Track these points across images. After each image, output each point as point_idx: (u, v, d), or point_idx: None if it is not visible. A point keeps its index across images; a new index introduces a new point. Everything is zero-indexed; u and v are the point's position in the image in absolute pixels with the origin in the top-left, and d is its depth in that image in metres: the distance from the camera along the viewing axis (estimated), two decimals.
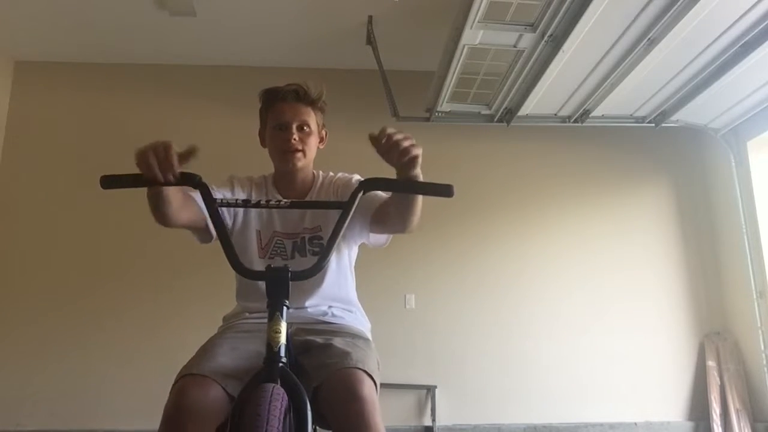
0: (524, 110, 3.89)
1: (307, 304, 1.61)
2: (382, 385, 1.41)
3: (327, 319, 1.62)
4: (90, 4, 3.79)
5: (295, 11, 3.82)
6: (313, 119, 1.68)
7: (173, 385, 1.34)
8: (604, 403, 4.11)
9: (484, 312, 4.22)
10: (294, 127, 1.64)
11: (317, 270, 1.25)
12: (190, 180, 1.29)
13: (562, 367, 4.14)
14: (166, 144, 1.24)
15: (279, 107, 1.66)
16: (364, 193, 1.32)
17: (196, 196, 1.49)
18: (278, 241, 1.66)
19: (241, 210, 1.67)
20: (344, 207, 1.29)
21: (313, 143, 1.69)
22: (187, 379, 1.33)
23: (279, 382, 1.11)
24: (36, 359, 3.93)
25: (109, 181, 1.32)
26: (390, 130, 1.29)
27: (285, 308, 1.17)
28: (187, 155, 1.25)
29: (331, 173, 1.77)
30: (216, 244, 1.41)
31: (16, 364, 3.92)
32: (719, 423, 4.00)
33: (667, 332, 4.29)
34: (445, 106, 3.87)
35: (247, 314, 1.62)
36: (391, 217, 1.56)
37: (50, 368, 3.92)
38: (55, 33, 4.14)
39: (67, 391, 3.89)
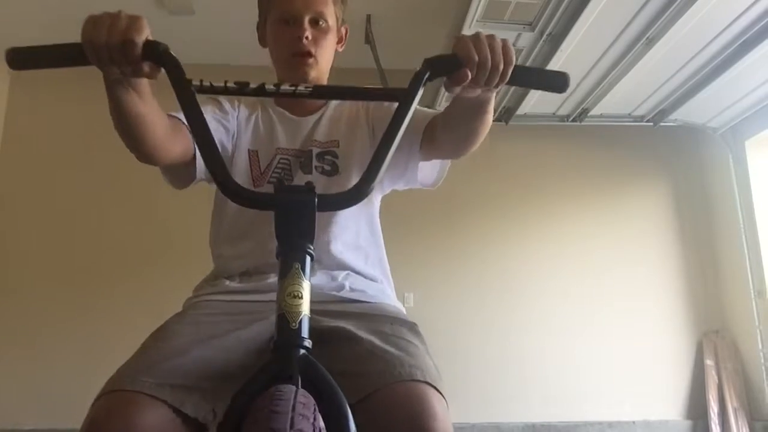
0: (522, 109, 3.90)
1: (321, 266, 1.12)
2: None
3: (342, 294, 1.12)
4: (89, 4, 3.75)
5: None
6: (331, 11, 1.24)
7: (98, 397, 0.89)
8: (602, 401, 4.11)
9: (483, 311, 4.23)
10: (306, 21, 1.20)
11: (362, 194, 0.80)
12: (154, 50, 0.85)
13: (560, 365, 4.15)
14: (134, 17, 0.83)
15: None
16: (431, 79, 0.88)
17: (179, 115, 1.07)
18: (283, 161, 1.20)
19: (230, 124, 1.21)
20: (402, 96, 0.86)
21: (330, 44, 1.25)
22: (113, 397, 0.86)
23: (300, 381, 0.70)
24: (36, 359, 3.92)
25: (22, 57, 0.86)
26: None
27: (309, 258, 0.75)
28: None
29: None
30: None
31: (16, 364, 3.92)
32: (717, 421, 4.01)
33: (665, 331, 4.30)
34: (443, 104, 3.87)
35: (226, 282, 1.14)
36: (452, 131, 1.09)
37: (50, 367, 3.91)
38: (54, 33, 4.11)
39: (67, 390, 3.89)
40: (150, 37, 0.84)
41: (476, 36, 0.88)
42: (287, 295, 0.72)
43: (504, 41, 0.88)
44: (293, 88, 0.89)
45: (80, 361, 3.93)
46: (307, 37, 1.19)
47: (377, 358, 0.92)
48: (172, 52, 0.87)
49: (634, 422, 4.09)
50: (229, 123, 1.21)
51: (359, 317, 1.03)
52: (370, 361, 0.91)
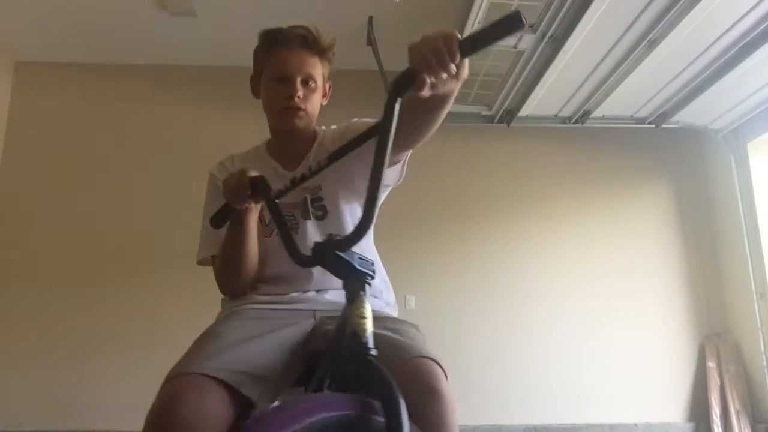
0: (524, 111, 3.89)
1: (332, 285, 1.35)
2: None
3: None
4: (90, 5, 3.79)
5: (295, 12, 3.82)
6: (319, 72, 1.42)
7: (165, 384, 1.04)
8: (604, 403, 4.10)
9: (484, 313, 4.22)
10: (298, 81, 1.39)
11: (363, 232, 0.95)
12: (261, 183, 1.21)
13: (562, 367, 4.14)
14: (242, 170, 1.20)
15: (281, 55, 1.41)
16: (401, 98, 1.00)
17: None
18: (286, 214, 1.38)
19: None
20: (381, 131, 0.97)
21: (317, 100, 1.44)
22: (181, 380, 1.03)
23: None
24: (36, 359, 3.93)
25: (216, 220, 1.31)
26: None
27: (368, 286, 0.95)
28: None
29: (332, 127, 1.50)
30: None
31: (16, 364, 3.92)
32: (719, 424, 3.99)
33: (667, 333, 4.29)
34: None
35: (255, 296, 1.36)
36: (411, 125, 1.23)
37: (50, 368, 3.91)
38: (55, 33, 4.14)
39: (67, 391, 3.89)
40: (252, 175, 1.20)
41: (420, 40, 0.98)
42: (357, 316, 0.91)
43: (442, 32, 0.96)
44: (316, 165, 1.19)
45: (81, 363, 3.94)
46: (299, 96, 1.39)
47: (393, 345, 1.12)
48: (264, 183, 1.21)
49: (636, 425, 4.08)
50: None
51: (374, 320, 1.19)
52: (388, 348, 1.09)
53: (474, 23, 2.97)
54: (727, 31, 3.06)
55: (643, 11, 2.88)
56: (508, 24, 0.92)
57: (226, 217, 1.29)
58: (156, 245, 4.12)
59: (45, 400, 3.86)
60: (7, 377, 3.88)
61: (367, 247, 1.44)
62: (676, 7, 2.82)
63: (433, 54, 0.96)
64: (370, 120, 1.35)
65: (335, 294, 1.34)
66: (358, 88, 4.29)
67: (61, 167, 4.28)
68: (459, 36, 0.95)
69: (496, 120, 4.05)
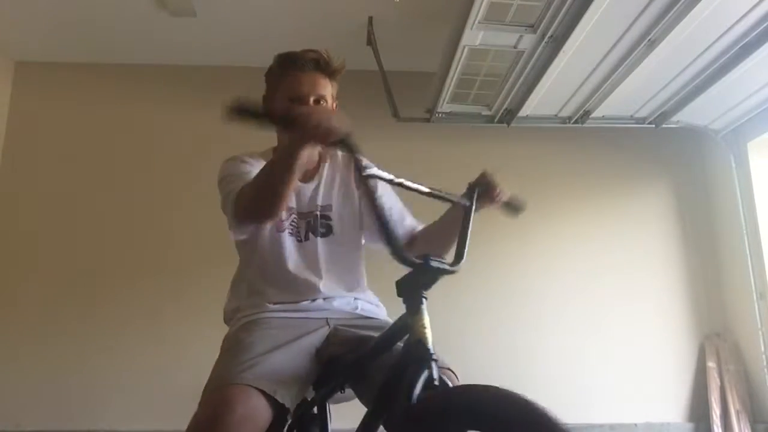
0: (525, 111, 3.89)
1: (336, 294, 1.53)
2: None
3: (360, 313, 1.56)
4: (90, 5, 3.79)
5: (296, 12, 3.82)
6: (329, 92, 1.57)
7: (210, 394, 1.19)
8: (604, 404, 4.10)
9: (484, 313, 4.22)
10: (311, 101, 1.52)
11: (459, 264, 1.22)
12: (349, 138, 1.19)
13: (562, 367, 4.14)
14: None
15: (295, 77, 1.53)
16: (478, 193, 1.43)
17: None
18: (293, 220, 1.57)
19: None
20: (467, 208, 1.41)
21: None
22: (227, 390, 1.16)
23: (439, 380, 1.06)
24: (36, 360, 3.93)
25: (243, 110, 1.15)
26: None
27: (425, 300, 1.13)
28: None
29: (340, 153, 1.67)
30: (220, 237, 1.35)
31: (17, 364, 3.92)
32: (719, 424, 4.00)
33: (667, 333, 4.29)
34: (445, 107, 3.86)
35: (268, 305, 1.49)
36: (423, 244, 1.57)
37: (51, 368, 3.91)
38: (55, 34, 4.14)
39: (68, 391, 3.89)
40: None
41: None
42: (420, 326, 1.08)
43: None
44: (419, 184, 1.33)
45: (82, 363, 3.93)
46: None
47: (390, 352, 1.27)
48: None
49: (635, 425, 4.08)
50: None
51: (376, 329, 1.42)
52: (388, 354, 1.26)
53: (474, 24, 2.97)
54: (727, 31, 3.06)
55: (643, 11, 2.88)
56: (520, 207, 1.46)
57: (255, 116, 1.17)
58: (156, 245, 4.12)
59: (45, 400, 3.86)
60: (8, 377, 3.88)
61: (356, 264, 1.63)
62: (676, 7, 2.82)
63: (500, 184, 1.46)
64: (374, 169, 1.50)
65: (341, 302, 1.52)
66: (358, 88, 4.28)
67: (61, 167, 4.28)
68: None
69: (496, 120, 4.04)
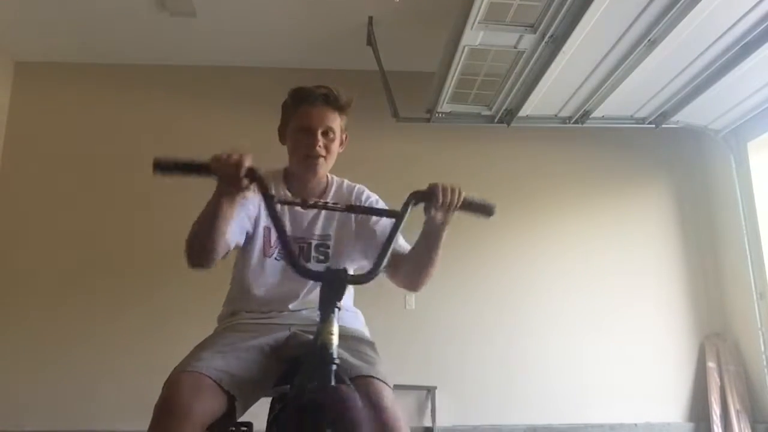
0: (524, 111, 3.88)
1: (303, 305, 1.60)
2: None
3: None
4: (90, 5, 3.79)
5: (296, 12, 3.82)
6: (338, 124, 1.66)
7: (167, 381, 1.32)
8: (604, 404, 4.11)
9: (484, 313, 4.22)
10: (319, 133, 1.62)
11: (372, 276, 1.26)
12: (254, 174, 1.27)
13: (562, 368, 4.14)
14: (243, 151, 1.30)
15: (306, 110, 1.63)
16: (415, 204, 1.39)
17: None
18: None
19: (251, 209, 1.64)
20: (397, 216, 1.36)
21: (335, 148, 1.68)
22: (179, 375, 1.32)
23: (335, 382, 1.12)
24: (37, 361, 3.93)
25: (165, 166, 1.26)
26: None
27: (337, 310, 1.18)
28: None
29: (346, 180, 1.77)
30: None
31: (18, 366, 3.92)
32: (719, 424, 4.00)
33: (667, 333, 4.29)
34: (445, 106, 3.86)
35: (244, 313, 1.62)
36: (406, 267, 1.61)
37: (51, 370, 3.91)
38: (55, 34, 4.14)
39: (68, 392, 3.89)
40: (250, 164, 1.29)
41: (441, 183, 1.41)
42: (327, 333, 1.13)
43: (459, 189, 1.43)
44: (335, 203, 1.55)
45: (82, 364, 3.94)
46: (320, 146, 1.62)
47: (350, 364, 1.37)
48: (262, 174, 1.29)
49: (636, 425, 4.08)
50: (250, 209, 1.62)
51: (341, 338, 1.39)
52: (346, 366, 1.33)
53: (474, 24, 2.97)
54: (727, 31, 3.06)
55: (643, 11, 2.88)
56: (487, 209, 1.45)
57: (177, 169, 1.28)
58: (156, 246, 4.11)
59: (46, 400, 3.86)
60: (8, 377, 3.88)
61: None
62: (676, 7, 2.82)
63: (450, 190, 1.41)
64: (376, 197, 1.75)
65: (310, 312, 1.57)
66: (358, 88, 4.28)
67: (61, 167, 4.28)
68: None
69: (496, 120, 4.04)
